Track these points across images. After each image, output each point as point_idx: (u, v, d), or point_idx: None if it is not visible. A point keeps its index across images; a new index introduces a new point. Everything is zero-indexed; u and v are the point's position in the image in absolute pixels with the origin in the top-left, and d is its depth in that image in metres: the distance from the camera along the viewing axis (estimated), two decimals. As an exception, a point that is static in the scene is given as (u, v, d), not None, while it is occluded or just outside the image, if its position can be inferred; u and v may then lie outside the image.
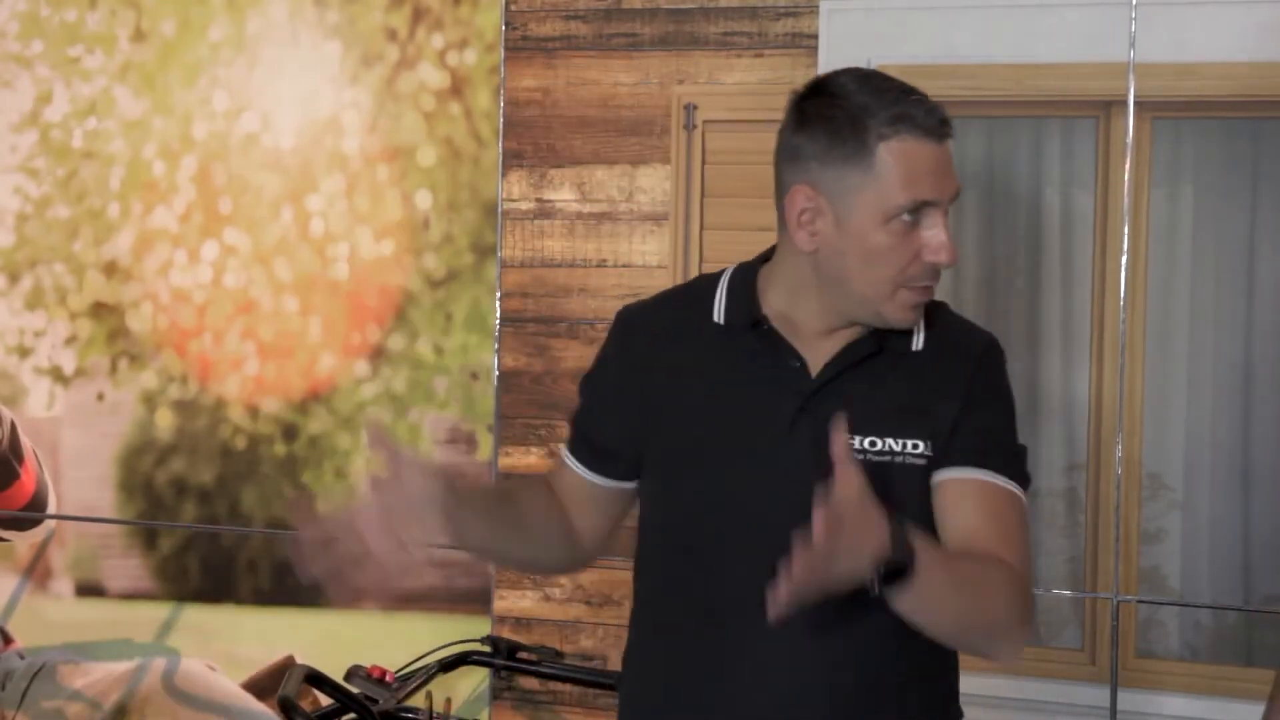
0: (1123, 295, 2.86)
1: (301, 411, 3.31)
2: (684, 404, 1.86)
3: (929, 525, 1.81)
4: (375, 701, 2.65)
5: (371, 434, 1.73)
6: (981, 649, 1.81)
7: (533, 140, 3.17)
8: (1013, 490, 1.81)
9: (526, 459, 3.18)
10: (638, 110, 3.10)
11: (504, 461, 3.19)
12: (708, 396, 1.85)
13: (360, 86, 3.26)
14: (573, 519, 1.96)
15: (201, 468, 3.38)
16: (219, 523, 3.37)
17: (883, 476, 1.77)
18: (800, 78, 2.87)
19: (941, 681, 1.87)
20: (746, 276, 1.89)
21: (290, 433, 3.32)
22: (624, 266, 3.12)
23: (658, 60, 3.08)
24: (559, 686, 3.13)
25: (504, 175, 3.18)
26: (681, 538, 1.86)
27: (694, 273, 3.03)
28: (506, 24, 3.17)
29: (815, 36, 2.98)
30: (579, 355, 3.13)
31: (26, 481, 3.49)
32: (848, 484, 1.57)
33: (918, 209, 1.74)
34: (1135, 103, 2.84)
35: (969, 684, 1.93)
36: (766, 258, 1.90)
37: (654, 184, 3.09)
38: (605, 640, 3.14)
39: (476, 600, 3.20)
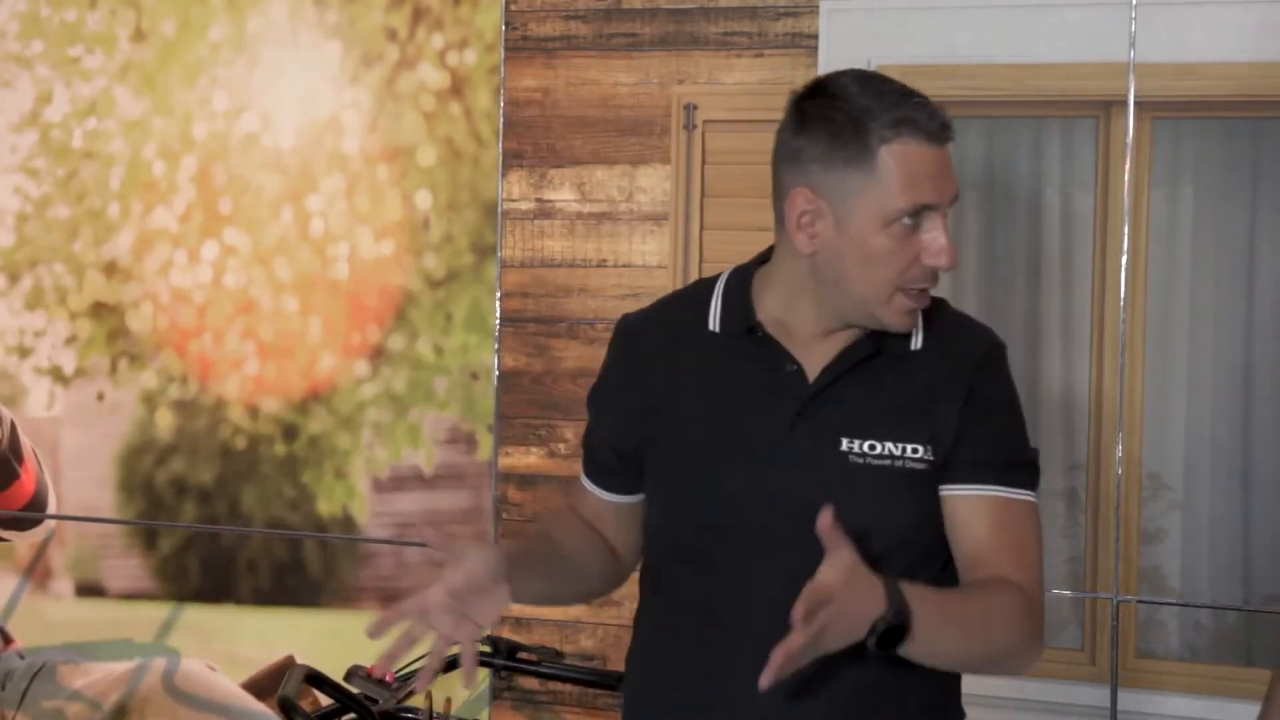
0: (1123, 295, 2.86)
1: (301, 411, 3.31)
2: (683, 410, 1.86)
3: (930, 527, 1.81)
4: (375, 701, 2.65)
5: (431, 538, 1.75)
6: (992, 673, 1.83)
7: (533, 140, 3.17)
8: (1024, 499, 1.82)
9: (526, 459, 3.18)
10: (638, 110, 3.10)
11: (504, 461, 3.19)
12: (706, 402, 1.85)
13: (360, 86, 3.26)
14: (607, 538, 1.98)
15: (201, 468, 3.38)
16: (219, 523, 3.37)
17: (883, 480, 1.78)
18: (800, 78, 2.87)
19: (942, 683, 1.87)
20: (742, 281, 1.88)
21: (290, 433, 3.32)
22: (624, 266, 3.12)
23: (658, 60, 3.08)
24: (559, 686, 3.13)
25: (504, 175, 3.18)
26: (682, 542, 1.87)
27: (694, 273, 3.03)
28: (506, 24, 3.17)
29: (815, 36, 2.98)
30: (579, 355, 3.13)
31: (26, 481, 3.49)
32: (835, 566, 1.59)
33: (918, 212, 1.74)
34: (1135, 103, 2.84)
35: (969, 684, 1.93)
36: (764, 259, 1.89)
37: (654, 184, 3.09)
38: (605, 640, 3.14)
39: (476, 600, 3.20)
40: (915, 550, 1.80)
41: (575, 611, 3.14)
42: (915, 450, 1.79)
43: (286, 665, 3.26)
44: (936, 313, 1.87)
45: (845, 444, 1.79)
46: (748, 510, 1.80)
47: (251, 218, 3.33)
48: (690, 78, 3.06)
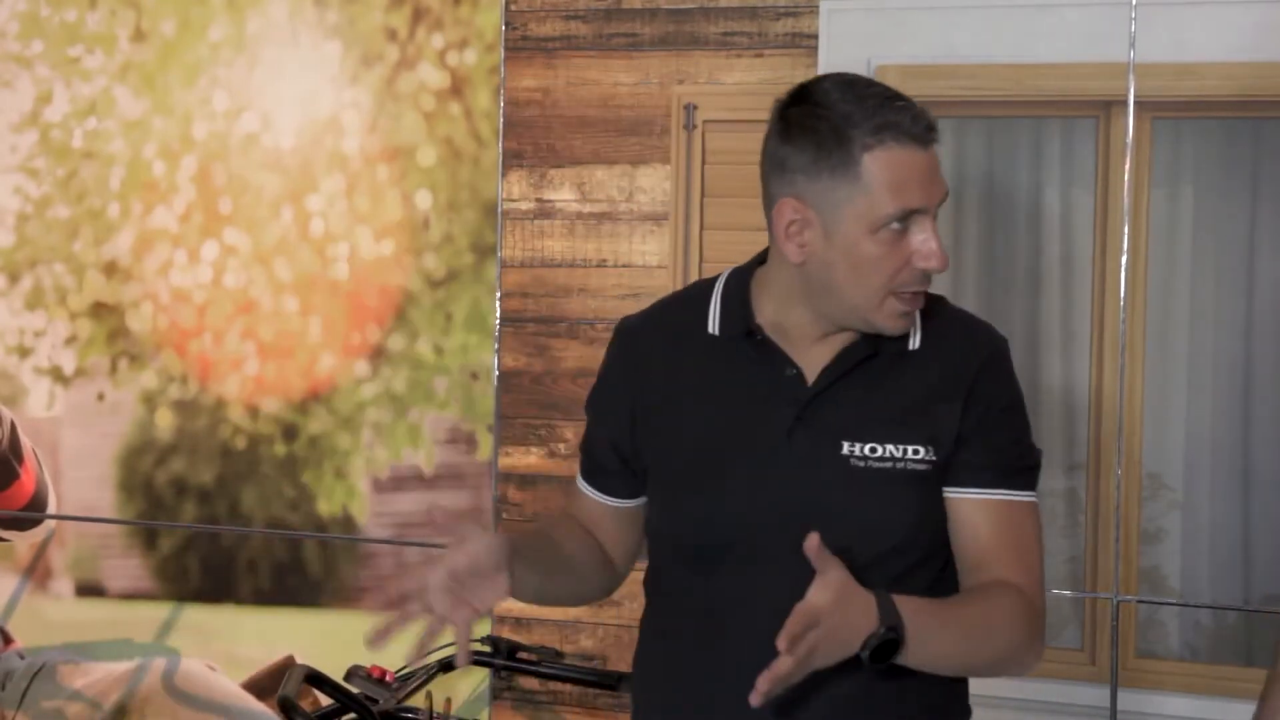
0: (1123, 295, 2.86)
1: (301, 411, 3.31)
2: (683, 413, 1.86)
3: (931, 528, 1.81)
4: (375, 701, 2.66)
5: (435, 517, 1.76)
6: (993, 675, 1.84)
7: (533, 140, 3.17)
8: (1025, 500, 1.82)
9: (526, 459, 3.18)
10: (638, 110, 3.10)
11: (504, 461, 3.19)
12: (706, 405, 1.85)
13: (360, 86, 3.26)
14: (603, 544, 1.98)
15: (201, 468, 3.38)
16: (219, 523, 3.37)
17: (885, 483, 1.78)
18: (800, 78, 2.86)
19: (945, 683, 1.87)
20: (741, 283, 1.88)
21: (290, 433, 3.32)
22: (624, 266, 3.12)
23: (658, 60, 3.08)
24: (559, 686, 3.13)
25: (504, 175, 3.18)
26: (683, 545, 1.87)
27: (694, 273, 3.03)
28: (506, 24, 3.17)
29: (815, 36, 2.98)
30: (579, 355, 3.13)
31: (26, 481, 3.49)
32: (826, 586, 1.60)
33: (906, 217, 1.73)
34: (1135, 103, 2.84)
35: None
36: (763, 259, 1.89)
37: (654, 184, 3.09)
38: (605, 640, 3.14)
39: (476, 600, 3.20)
40: (916, 552, 1.81)
41: (575, 611, 3.14)
42: (916, 452, 1.79)
43: (286, 665, 3.26)
44: (934, 311, 1.87)
45: (846, 447, 1.79)
46: (748, 513, 1.80)
47: (251, 218, 3.33)
48: (690, 78, 3.06)
